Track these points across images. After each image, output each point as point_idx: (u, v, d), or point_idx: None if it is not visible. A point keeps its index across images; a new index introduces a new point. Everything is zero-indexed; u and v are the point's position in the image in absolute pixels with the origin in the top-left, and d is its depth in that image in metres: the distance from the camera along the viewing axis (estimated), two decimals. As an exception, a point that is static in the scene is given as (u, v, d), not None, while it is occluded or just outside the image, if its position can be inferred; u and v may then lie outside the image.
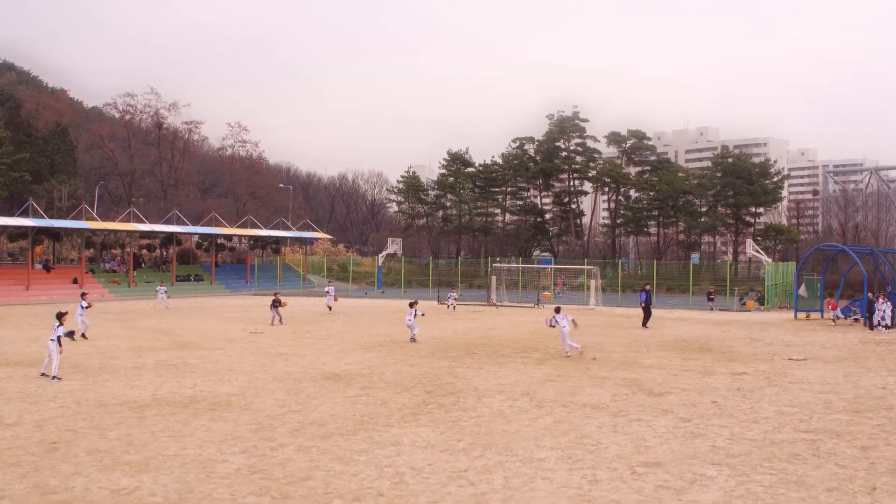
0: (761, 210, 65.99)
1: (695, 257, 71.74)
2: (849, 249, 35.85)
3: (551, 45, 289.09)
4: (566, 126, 71.08)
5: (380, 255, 65.85)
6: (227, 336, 26.43)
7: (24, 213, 51.62)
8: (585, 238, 71.97)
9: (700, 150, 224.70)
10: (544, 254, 72.28)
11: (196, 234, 61.43)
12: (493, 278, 46.61)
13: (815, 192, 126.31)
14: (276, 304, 31.70)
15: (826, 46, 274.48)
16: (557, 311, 22.18)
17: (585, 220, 75.63)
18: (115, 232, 59.23)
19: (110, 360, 20.50)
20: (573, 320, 22.14)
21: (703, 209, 63.27)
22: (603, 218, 75.51)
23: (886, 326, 30.76)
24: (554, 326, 21.73)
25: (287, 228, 70.27)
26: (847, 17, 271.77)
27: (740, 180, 62.29)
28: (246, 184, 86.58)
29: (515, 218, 74.50)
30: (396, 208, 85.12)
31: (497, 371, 18.69)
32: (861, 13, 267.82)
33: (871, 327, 30.81)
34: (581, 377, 17.86)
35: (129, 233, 57.35)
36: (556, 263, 72.92)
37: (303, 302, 48.74)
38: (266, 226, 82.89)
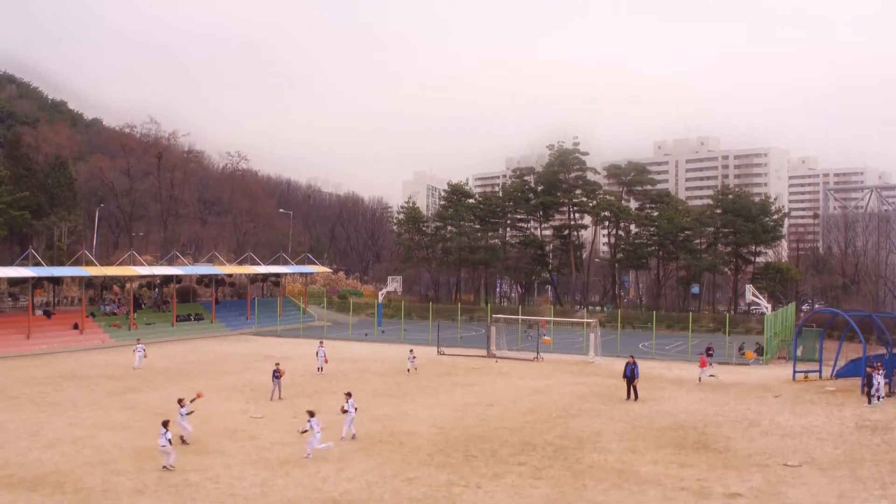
0: (761, 248, 66.21)
1: (695, 287, 72.07)
2: (847, 315, 36.04)
3: (551, 45, 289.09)
4: (566, 159, 71.36)
5: (380, 293, 66.05)
6: (228, 425, 26.52)
7: (25, 259, 51.80)
8: (586, 269, 72.18)
9: (700, 160, 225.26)
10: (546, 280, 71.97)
11: (196, 273, 61.61)
12: (493, 329, 46.74)
13: (816, 216, 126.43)
14: (276, 376, 31.85)
15: (827, 47, 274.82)
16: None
17: (585, 247, 75.63)
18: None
19: (112, 474, 20.45)
20: None
21: (703, 246, 63.45)
22: (603, 252, 75.73)
23: (880, 398, 31.35)
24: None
25: (286, 262, 70.58)
26: (847, 18, 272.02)
27: (740, 218, 62.53)
28: (245, 202, 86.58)
29: (515, 250, 74.76)
30: (397, 237, 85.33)
31: (494, 491, 18.87)
32: (861, 13, 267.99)
33: (869, 400, 31.09)
34: (577, 501, 18.06)
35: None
36: (555, 294, 73.46)
37: (302, 350, 48.76)
38: (266, 255, 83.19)
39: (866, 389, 31.57)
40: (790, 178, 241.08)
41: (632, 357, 32.54)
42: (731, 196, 66.77)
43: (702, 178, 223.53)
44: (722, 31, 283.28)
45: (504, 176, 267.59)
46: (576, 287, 72.43)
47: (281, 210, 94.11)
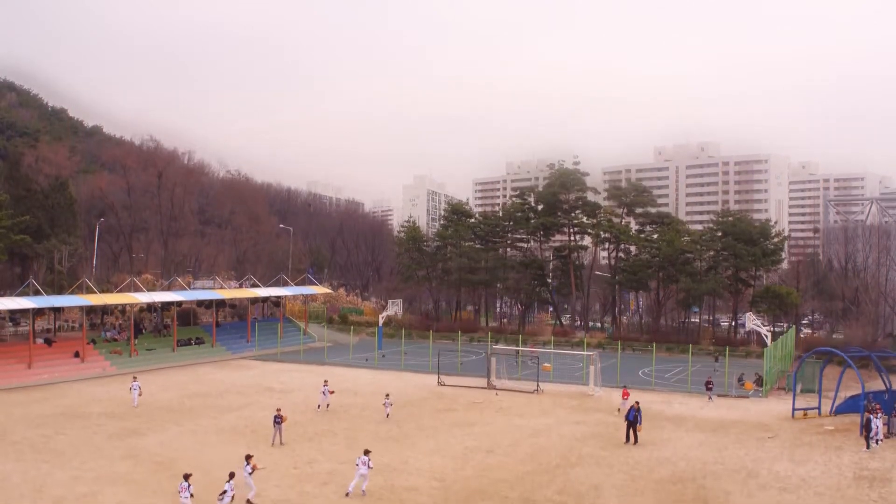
0: (762, 272, 66.39)
1: (695, 307, 72.22)
2: (846, 356, 36.19)
3: (552, 45, 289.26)
4: (567, 180, 71.57)
5: (380, 315, 66.19)
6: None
7: (26, 287, 51.96)
8: (586, 290, 72.35)
9: (701, 166, 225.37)
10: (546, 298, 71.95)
11: (196, 299, 61.77)
12: (493, 360, 46.86)
13: (816, 230, 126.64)
14: (277, 421, 31.99)
15: (827, 47, 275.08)
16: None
17: (586, 267, 75.81)
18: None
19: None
20: None
21: (704, 268, 63.60)
22: (603, 260, 75.73)
23: (878, 441, 31.53)
24: None
25: (286, 283, 70.75)
26: (847, 18, 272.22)
27: (740, 242, 62.73)
28: (244, 219, 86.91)
29: (515, 270, 74.99)
30: (396, 256, 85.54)
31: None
32: (861, 14, 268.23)
33: (867, 444, 31.22)
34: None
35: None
36: (557, 315, 73.60)
37: (303, 378, 48.86)
38: (266, 272, 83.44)
39: (864, 433, 31.72)
40: (790, 182, 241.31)
41: (637, 403, 32.78)
42: (731, 218, 66.91)
43: (702, 185, 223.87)
44: (722, 31, 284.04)
45: (504, 181, 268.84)
46: (576, 303, 72.63)
47: (281, 225, 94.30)
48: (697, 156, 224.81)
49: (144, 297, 55.85)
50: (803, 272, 75.17)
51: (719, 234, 65.48)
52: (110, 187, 76.77)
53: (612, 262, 71.34)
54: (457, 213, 76.47)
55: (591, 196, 73.42)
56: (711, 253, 63.87)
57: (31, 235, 66.86)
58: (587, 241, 74.15)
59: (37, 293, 52.15)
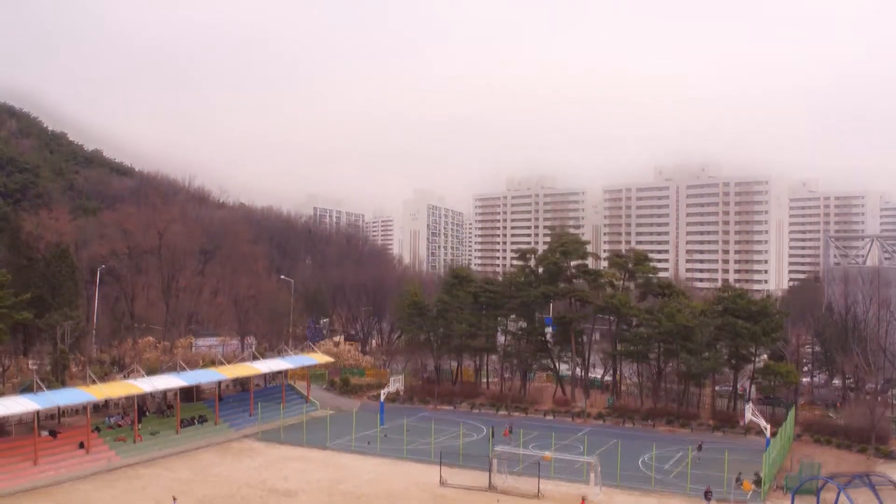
0: (761, 349, 66.74)
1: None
2: (839, 485, 36.50)
3: (552, 46, 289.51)
4: (568, 248, 72.00)
5: (382, 392, 66.55)
6: None
7: (28, 384, 52.38)
8: (586, 358, 72.71)
9: (701, 187, 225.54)
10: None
11: (197, 383, 62.13)
12: (495, 461, 47.18)
13: (817, 278, 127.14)
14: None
15: (827, 47, 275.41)
16: None
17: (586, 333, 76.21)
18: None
19: None
20: None
21: (704, 342, 63.92)
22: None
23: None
24: None
25: (286, 353, 71.33)
26: (847, 18, 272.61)
27: (740, 319, 63.12)
28: (245, 281, 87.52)
29: (516, 339, 75.53)
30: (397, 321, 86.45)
31: None
32: (861, 14, 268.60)
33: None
34: None
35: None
36: (558, 380, 73.99)
37: (307, 473, 49.12)
38: (267, 330, 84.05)
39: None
40: (791, 200, 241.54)
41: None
42: (729, 294, 67.24)
43: (702, 205, 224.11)
44: (722, 31, 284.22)
45: (504, 198, 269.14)
46: (577, 380, 73.16)
47: (282, 276, 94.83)
48: (698, 176, 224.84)
49: (146, 386, 56.16)
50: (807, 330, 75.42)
51: (719, 307, 65.80)
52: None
53: (613, 328, 71.71)
54: (457, 277, 76.86)
55: (589, 230, 73.75)
56: (712, 328, 64.18)
57: (33, 305, 67.35)
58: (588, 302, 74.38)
59: (42, 380, 52.50)
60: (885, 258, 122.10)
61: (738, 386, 68.87)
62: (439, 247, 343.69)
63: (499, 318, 77.34)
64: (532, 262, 75.51)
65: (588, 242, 74.40)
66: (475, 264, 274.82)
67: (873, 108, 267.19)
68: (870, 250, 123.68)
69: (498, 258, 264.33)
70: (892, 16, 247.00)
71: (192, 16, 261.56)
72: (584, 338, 73.61)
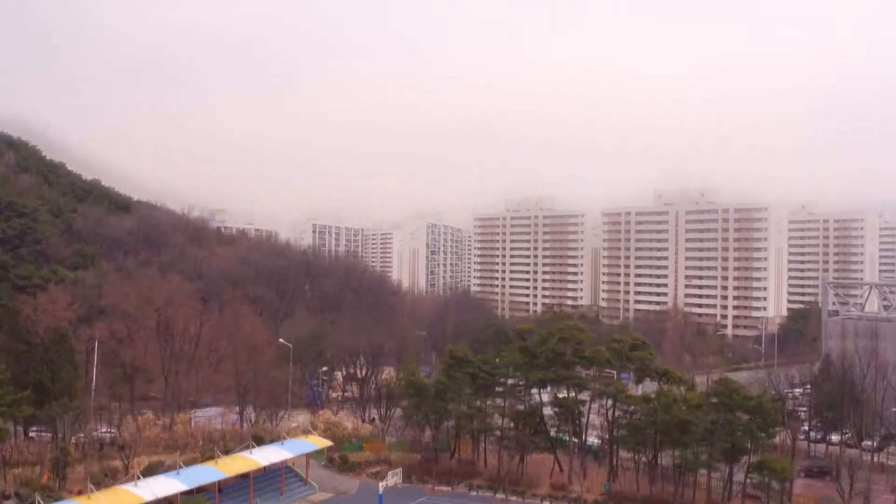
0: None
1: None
2: None
3: (552, 47, 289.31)
4: (566, 334, 72.25)
5: (381, 484, 66.66)
6: None
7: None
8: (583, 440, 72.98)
9: (701, 212, 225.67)
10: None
11: (197, 485, 62.22)
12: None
13: (815, 340, 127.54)
14: None
15: (827, 47, 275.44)
16: None
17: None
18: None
19: None
20: None
21: (700, 434, 64.09)
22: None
23: None
24: None
25: (281, 440, 71.74)
26: (847, 18, 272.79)
27: (735, 415, 63.29)
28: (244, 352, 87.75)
29: (512, 423, 75.78)
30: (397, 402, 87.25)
31: None
32: (861, 13, 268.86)
33: None
34: None
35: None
36: (557, 460, 74.37)
37: None
38: (266, 403, 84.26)
39: None
40: (791, 222, 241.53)
41: None
42: (724, 389, 67.34)
43: (702, 230, 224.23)
44: (722, 31, 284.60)
45: (504, 219, 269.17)
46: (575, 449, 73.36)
47: (281, 340, 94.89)
48: (697, 201, 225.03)
49: (146, 495, 56.17)
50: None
51: (714, 400, 65.95)
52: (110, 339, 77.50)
53: (611, 415, 71.96)
54: (455, 358, 77.04)
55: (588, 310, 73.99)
56: (709, 420, 64.32)
57: (32, 390, 67.61)
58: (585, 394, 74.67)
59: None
60: (884, 305, 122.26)
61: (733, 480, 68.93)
62: (438, 265, 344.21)
63: (497, 400, 77.77)
64: (529, 343, 75.90)
65: (585, 330, 74.40)
66: (474, 285, 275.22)
67: (873, 108, 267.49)
68: (868, 297, 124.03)
69: (497, 279, 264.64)
70: (892, 16, 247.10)
71: (192, 16, 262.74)
72: (581, 419, 73.97)
